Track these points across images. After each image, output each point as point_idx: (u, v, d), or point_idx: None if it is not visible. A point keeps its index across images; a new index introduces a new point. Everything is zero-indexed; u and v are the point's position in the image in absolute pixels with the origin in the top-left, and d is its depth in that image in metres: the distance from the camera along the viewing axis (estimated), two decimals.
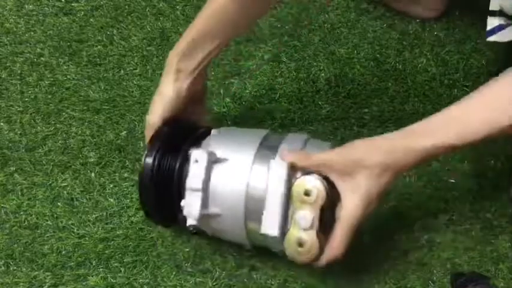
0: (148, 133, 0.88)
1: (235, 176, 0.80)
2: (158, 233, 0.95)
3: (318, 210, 0.76)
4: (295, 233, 0.77)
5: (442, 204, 0.98)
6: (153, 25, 1.18)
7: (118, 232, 0.94)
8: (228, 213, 0.81)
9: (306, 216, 0.76)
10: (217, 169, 0.80)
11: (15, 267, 0.92)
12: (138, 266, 0.92)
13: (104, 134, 1.04)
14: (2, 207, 0.97)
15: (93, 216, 0.96)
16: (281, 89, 1.09)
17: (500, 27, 0.87)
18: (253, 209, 0.79)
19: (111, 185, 0.99)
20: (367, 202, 0.76)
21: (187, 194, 0.81)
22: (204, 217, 0.80)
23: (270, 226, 0.78)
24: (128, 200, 0.97)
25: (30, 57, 1.13)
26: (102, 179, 1.00)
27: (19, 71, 1.12)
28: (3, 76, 1.11)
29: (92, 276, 0.91)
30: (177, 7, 1.20)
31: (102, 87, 1.10)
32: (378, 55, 1.14)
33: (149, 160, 0.84)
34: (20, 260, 0.92)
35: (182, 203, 0.81)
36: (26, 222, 0.96)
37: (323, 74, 1.11)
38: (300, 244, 0.77)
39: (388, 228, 0.96)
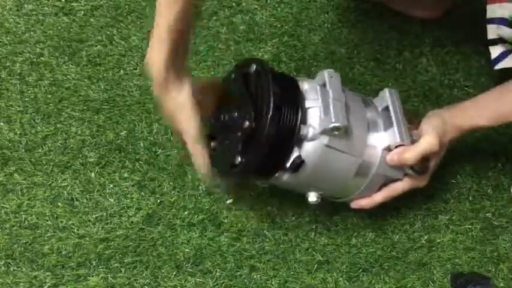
0: (195, 146, 0.82)
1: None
2: (158, 233, 0.95)
3: None
4: None
5: (442, 204, 0.98)
6: (153, 25, 1.17)
7: (118, 232, 0.94)
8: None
9: None
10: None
11: (15, 267, 0.92)
12: (139, 266, 0.92)
13: (104, 134, 1.04)
14: (2, 207, 0.97)
15: (93, 216, 0.96)
16: None
17: (504, 54, 0.88)
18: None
19: (111, 185, 0.99)
20: (439, 139, 0.86)
21: (328, 103, 0.81)
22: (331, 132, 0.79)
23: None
24: (128, 200, 0.97)
25: (30, 57, 1.13)
26: (102, 179, 1.00)
27: (19, 71, 1.12)
28: (3, 76, 1.11)
29: (92, 276, 0.91)
30: None
31: (102, 87, 1.09)
32: (378, 55, 1.14)
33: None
34: (20, 260, 0.92)
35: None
36: (26, 222, 0.96)
37: None
38: None
39: (388, 228, 0.96)
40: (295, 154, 0.79)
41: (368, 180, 0.85)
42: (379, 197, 0.88)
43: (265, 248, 0.94)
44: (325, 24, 1.17)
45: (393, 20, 1.18)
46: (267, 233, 0.95)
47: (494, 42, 0.89)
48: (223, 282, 0.91)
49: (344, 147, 0.81)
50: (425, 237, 0.95)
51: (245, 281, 0.91)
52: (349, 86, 1.09)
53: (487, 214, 0.97)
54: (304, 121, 0.79)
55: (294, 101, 0.79)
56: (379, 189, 0.88)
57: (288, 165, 0.79)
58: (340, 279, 0.91)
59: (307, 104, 0.80)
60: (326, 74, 0.84)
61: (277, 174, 0.81)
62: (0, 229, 0.95)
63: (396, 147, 0.85)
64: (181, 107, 0.81)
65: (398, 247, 0.94)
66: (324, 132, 0.78)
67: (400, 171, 0.86)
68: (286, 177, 0.81)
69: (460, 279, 0.85)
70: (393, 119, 0.86)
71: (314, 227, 0.95)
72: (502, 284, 0.91)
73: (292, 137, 0.78)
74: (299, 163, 0.79)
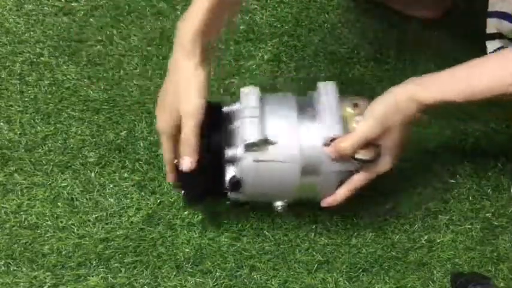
0: (191, 123, 0.80)
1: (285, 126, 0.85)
2: (158, 233, 0.95)
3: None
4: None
5: (442, 204, 0.98)
6: (153, 25, 1.18)
7: (118, 232, 0.94)
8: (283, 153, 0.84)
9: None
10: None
11: (15, 268, 0.91)
12: (139, 266, 0.92)
13: (104, 134, 1.04)
14: (2, 207, 0.97)
15: (93, 216, 0.96)
16: (281, 89, 1.09)
17: (500, 49, 0.88)
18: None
19: (111, 185, 0.99)
20: (379, 121, 0.82)
21: (243, 122, 0.84)
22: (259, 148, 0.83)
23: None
24: (128, 200, 0.97)
25: (29, 57, 1.13)
26: (102, 179, 1.00)
27: (19, 71, 1.12)
28: (2, 76, 1.11)
29: (92, 276, 0.91)
30: (177, 7, 1.20)
31: (102, 87, 1.09)
32: (378, 55, 1.14)
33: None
34: (20, 260, 0.92)
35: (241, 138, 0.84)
36: (26, 222, 0.96)
37: (323, 74, 1.11)
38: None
39: (388, 228, 0.96)
40: (230, 175, 0.85)
41: (321, 178, 0.85)
42: (341, 192, 0.86)
43: (265, 248, 0.94)
44: (325, 24, 1.17)
45: (393, 20, 1.18)
46: (267, 233, 0.95)
47: (492, 37, 0.88)
48: (223, 282, 0.91)
49: (273, 156, 0.83)
50: (425, 237, 0.95)
51: (245, 281, 0.91)
52: (349, 86, 1.10)
53: (487, 214, 0.97)
54: (229, 143, 0.85)
55: (217, 127, 0.85)
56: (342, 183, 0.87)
57: (227, 186, 0.85)
58: (340, 279, 0.91)
59: (231, 127, 0.86)
60: (242, 93, 0.88)
61: (228, 194, 0.87)
62: (0, 229, 0.95)
63: (332, 140, 0.83)
64: (191, 83, 0.80)
65: (399, 247, 0.94)
66: (246, 150, 0.83)
67: (350, 163, 0.84)
68: (234, 195, 0.87)
69: (460, 279, 0.85)
70: (323, 113, 0.85)
71: (314, 227, 0.95)
72: (502, 284, 0.91)
73: (220, 161, 0.85)
74: (235, 182, 0.85)
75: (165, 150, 0.84)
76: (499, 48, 0.88)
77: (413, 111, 0.81)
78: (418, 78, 0.83)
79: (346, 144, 0.82)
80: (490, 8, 0.87)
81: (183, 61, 0.81)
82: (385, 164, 0.85)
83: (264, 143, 0.83)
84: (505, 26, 0.85)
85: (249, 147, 0.83)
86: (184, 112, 0.80)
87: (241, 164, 0.84)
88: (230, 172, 0.85)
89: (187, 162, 0.82)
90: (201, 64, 0.80)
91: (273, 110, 0.86)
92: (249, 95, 0.87)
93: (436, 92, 0.80)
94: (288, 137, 0.84)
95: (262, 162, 0.84)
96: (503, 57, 0.80)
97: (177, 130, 0.82)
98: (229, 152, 0.84)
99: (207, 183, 0.87)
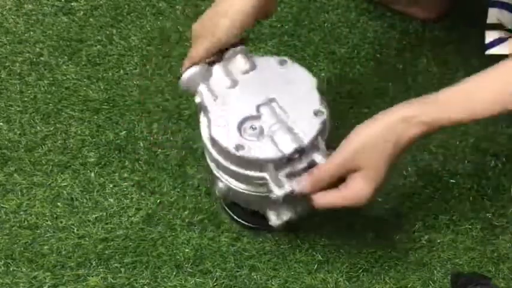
0: (212, 48, 0.80)
1: None
2: (158, 233, 0.94)
3: None
4: None
5: (442, 204, 0.98)
6: (152, 25, 1.17)
7: (118, 232, 0.94)
8: None
9: None
10: None
11: (15, 268, 0.91)
12: (138, 266, 0.92)
13: (104, 134, 1.04)
14: (2, 207, 0.97)
15: (93, 216, 0.96)
16: None
17: (500, 40, 0.88)
18: None
19: (111, 185, 0.99)
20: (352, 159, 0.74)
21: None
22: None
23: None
24: (128, 200, 0.97)
25: (29, 56, 1.13)
26: (101, 179, 1.00)
27: (18, 71, 1.12)
28: (2, 76, 1.11)
29: (92, 276, 0.91)
30: (177, 7, 1.20)
31: (102, 87, 1.09)
32: (378, 55, 1.14)
33: None
34: (20, 260, 0.92)
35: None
36: (25, 222, 0.95)
37: (323, 74, 1.11)
38: None
39: (388, 228, 0.96)
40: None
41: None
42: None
43: (265, 248, 0.94)
44: (325, 24, 1.17)
45: (393, 20, 1.18)
46: (267, 233, 0.95)
47: (492, 27, 0.88)
48: (223, 282, 0.91)
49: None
50: (426, 237, 0.95)
51: (245, 281, 0.91)
52: (349, 86, 1.10)
53: (487, 214, 0.97)
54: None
55: None
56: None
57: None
58: (341, 279, 0.91)
59: None
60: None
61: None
62: (0, 229, 0.95)
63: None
64: (232, 14, 0.79)
65: (399, 247, 0.94)
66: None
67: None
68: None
69: (461, 279, 0.85)
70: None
71: (314, 227, 0.95)
72: (502, 284, 0.91)
73: None
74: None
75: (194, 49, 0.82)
76: (497, 40, 0.87)
77: (407, 139, 0.73)
78: (410, 103, 0.75)
79: (307, 183, 0.75)
80: None
81: None
82: (361, 197, 0.75)
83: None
84: (506, 16, 0.85)
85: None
86: (216, 28, 0.79)
87: None
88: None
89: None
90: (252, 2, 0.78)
91: None
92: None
93: (438, 113, 0.73)
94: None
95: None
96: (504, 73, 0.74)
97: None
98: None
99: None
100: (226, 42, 0.81)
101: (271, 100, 0.79)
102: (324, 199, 0.76)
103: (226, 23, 0.79)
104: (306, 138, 0.75)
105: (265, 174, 0.76)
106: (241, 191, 0.81)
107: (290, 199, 0.77)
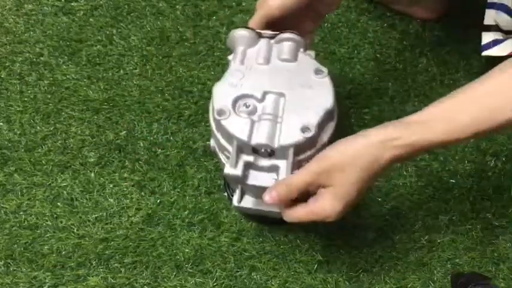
0: (265, 16, 0.81)
1: None
2: (158, 233, 0.94)
3: None
4: None
5: (442, 204, 0.98)
6: (152, 25, 1.17)
7: (118, 232, 0.94)
8: None
9: None
10: None
11: (15, 268, 0.91)
12: (139, 266, 0.92)
13: (104, 134, 1.04)
14: (2, 207, 0.97)
15: (93, 216, 0.96)
16: None
17: (496, 42, 0.88)
18: None
19: (111, 185, 0.99)
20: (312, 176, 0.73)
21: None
22: None
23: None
24: (128, 200, 0.97)
25: (29, 56, 1.13)
26: (101, 179, 1.00)
27: (18, 71, 1.12)
28: (2, 76, 1.11)
29: (92, 276, 0.91)
30: (177, 7, 1.20)
31: (102, 87, 1.09)
32: (378, 55, 1.14)
33: None
34: (20, 260, 0.92)
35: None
36: (25, 222, 0.95)
37: None
38: None
39: (388, 228, 0.96)
40: None
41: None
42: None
43: (265, 248, 0.94)
44: (325, 24, 1.17)
45: (393, 20, 1.18)
46: (267, 233, 0.95)
47: (489, 28, 0.88)
48: (223, 282, 0.91)
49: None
50: (426, 237, 0.95)
51: (245, 281, 0.91)
52: (349, 86, 1.10)
53: (487, 214, 0.97)
54: None
55: None
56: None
57: None
58: (341, 279, 0.91)
59: None
60: None
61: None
62: (0, 229, 0.95)
63: None
64: None
65: (399, 247, 0.94)
66: None
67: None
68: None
69: (461, 279, 0.85)
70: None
71: (314, 227, 0.95)
72: (502, 284, 0.91)
73: None
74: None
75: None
76: (492, 41, 0.87)
77: (383, 162, 0.71)
78: (392, 125, 0.73)
79: (275, 193, 0.74)
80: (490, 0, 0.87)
81: None
82: (330, 213, 0.73)
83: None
84: (502, 18, 0.85)
85: None
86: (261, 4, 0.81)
87: None
88: None
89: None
90: None
91: None
92: None
93: (418, 135, 0.71)
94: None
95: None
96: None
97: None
98: None
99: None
100: (279, 13, 0.81)
101: (281, 95, 0.79)
102: (293, 213, 0.75)
103: None
104: (277, 143, 0.75)
105: (230, 148, 0.77)
106: (220, 158, 0.81)
107: (254, 192, 0.79)
